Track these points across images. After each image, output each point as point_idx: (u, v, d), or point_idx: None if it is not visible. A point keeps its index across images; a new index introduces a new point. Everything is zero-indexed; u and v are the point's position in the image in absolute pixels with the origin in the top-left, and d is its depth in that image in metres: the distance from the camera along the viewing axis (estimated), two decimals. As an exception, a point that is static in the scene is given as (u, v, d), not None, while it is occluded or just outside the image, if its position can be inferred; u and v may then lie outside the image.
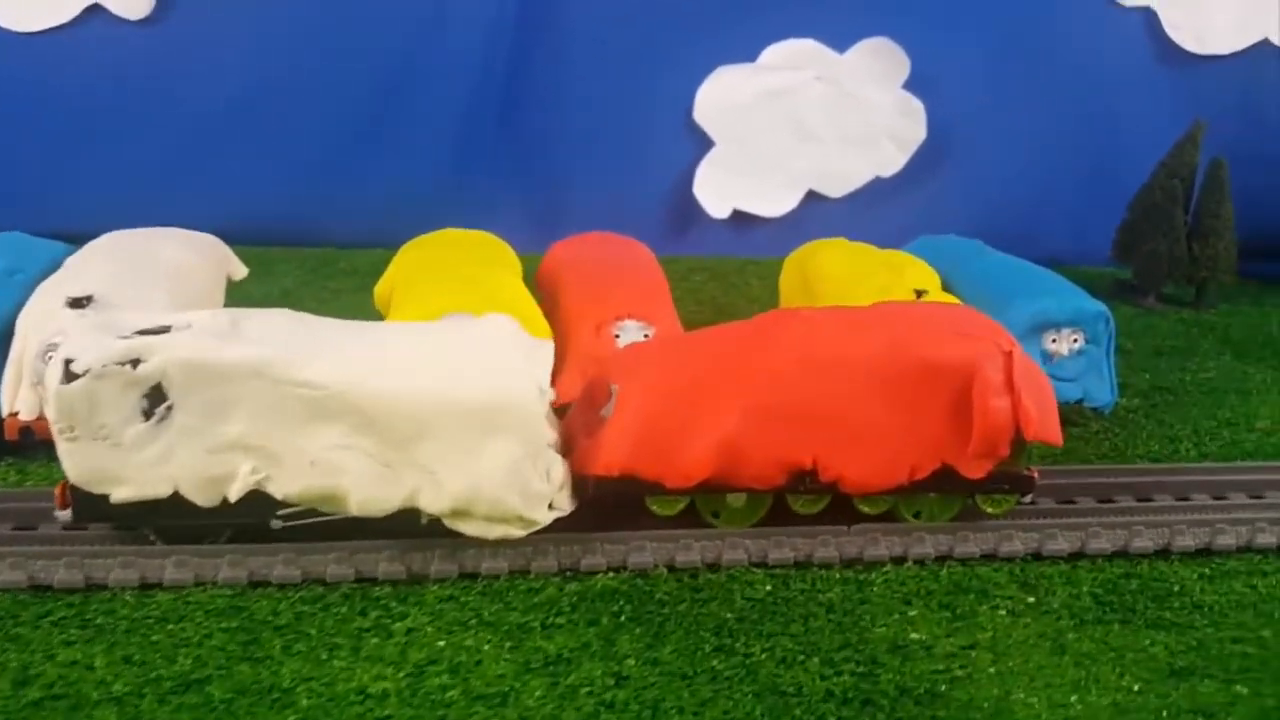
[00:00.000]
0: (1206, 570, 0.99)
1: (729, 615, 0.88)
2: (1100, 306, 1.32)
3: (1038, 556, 1.00)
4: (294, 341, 0.90)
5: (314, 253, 1.94)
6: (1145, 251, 2.00)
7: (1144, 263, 2.05)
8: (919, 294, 1.31)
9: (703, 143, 2.19)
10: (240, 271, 1.40)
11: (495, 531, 0.90)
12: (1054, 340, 1.31)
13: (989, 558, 0.99)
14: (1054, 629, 0.88)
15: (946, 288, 1.41)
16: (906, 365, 0.96)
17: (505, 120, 2.09)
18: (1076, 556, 1.00)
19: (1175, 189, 1.97)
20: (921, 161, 2.23)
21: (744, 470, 0.96)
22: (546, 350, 0.98)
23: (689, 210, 2.23)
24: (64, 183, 2.00)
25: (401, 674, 0.79)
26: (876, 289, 1.31)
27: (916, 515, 1.01)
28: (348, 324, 0.98)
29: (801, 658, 0.82)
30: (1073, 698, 0.79)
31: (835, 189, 2.26)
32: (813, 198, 2.25)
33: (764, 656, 0.82)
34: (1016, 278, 1.41)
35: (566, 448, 0.98)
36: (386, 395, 0.87)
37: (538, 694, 0.77)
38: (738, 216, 2.23)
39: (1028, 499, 1.07)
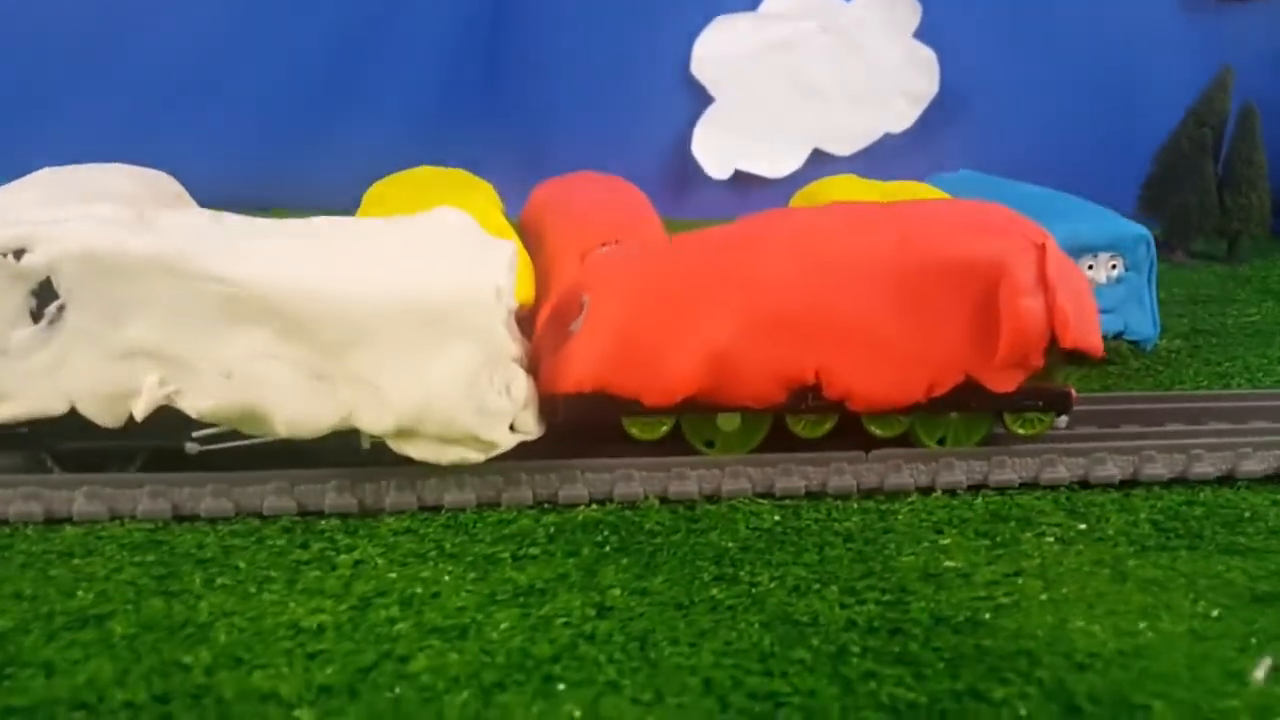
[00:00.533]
0: (1276, 498, 0.87)
1: (731, 544, 0.76)
2: (1141, 229, 1.20)
3: (1085, 484, 0.88)
4: (210, 235, 0.78)
5: (285, 215, 1.82)
6: (1174, 205, 1.88)
7: (1173, 217, 1.93)
8: None
9: (701, 98, 2.07)
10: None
11: (449, 455, 0.77)
12: (1090, 266, 1.19)
13: (1029, 486, 0.87)
14: (1112, 556, 0.75)
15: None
16: (922, 263, 0.84)
17: (489, 76, 1.97)
18: (1129, 484, 0.88)
19: (1205, 138, 1.85)
20: (934, 116, 2.12)
21: (736, 386, 0.83)
22: (506, 249, 0.85)
23: (687, 171, 2.12)
24: (13, 147, 1.92)
25: (343, 607, 0.66)
26: None
27: (941, 442, 0.88)
28: (276, 221, 0.86)
29: (817, 586, 0.70)
30: (1141, 624, 0.66)
31: (843, 147, 2.14)
32: (819, 157, 2.14)
33: (773, 585, 0.70)
34: (1046, 203, 1.29)
35: (533, 369, 0.86)
36: (316, 294, 0.75)
37: (504, 626, 0.65)
38: (739, 178, 2.12)
39: (1063, 421, 0.93)
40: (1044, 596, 0.69)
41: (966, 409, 0.87)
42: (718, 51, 2.05)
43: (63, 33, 1.81)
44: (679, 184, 2.12)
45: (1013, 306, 0.82)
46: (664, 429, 0.86)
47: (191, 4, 1.83)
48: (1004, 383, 0.84)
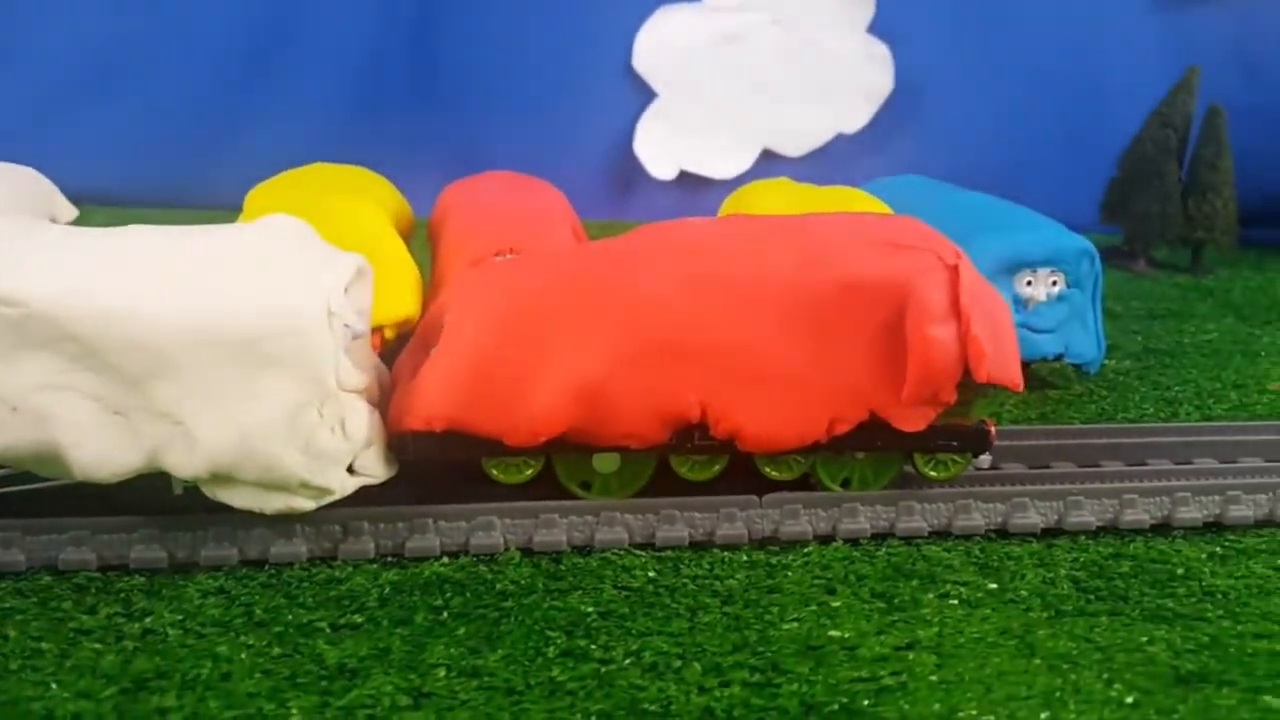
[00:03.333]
0: (1218, 549, 0.77)
1: (591, 609, 0.66)
2: (1084, 242, 1.12)
3: (1003, 534, 0.79)
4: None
5: (193, 214, 1.72)
6: (1135, 211, 1.79)
7: (1134, 224, 1.84)
8: None
9: (644, 94, 1.97)
10: (67, 212, 1.19)
11: (273, 503, 0.68)
12: (1029, 282, 1.11)
13: (940, 535, 0.78)
14: (1021, 623, 0.66)
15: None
16: (821, 286, 0.74)
17: (416, 69, 1.87)
18: (1052, 533, 0.79)
19: (1168, 140, 1.77)
20: (889, 116, 2.02)
21: (612, 423, 0.74)
22: (346, 264, 0.74)
23: (630, 171, 2.02)
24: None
25: (110, 691, 0.57)
26: None
27: (845, 484, 0.79)
28: (79, 230, 0.75)
29: (679, 663, 0.61)
30: (1043, 715, 0.57)
31: (794, 147, 2.05)
32: (769, 157, 2.04)
33: (628, 662, 0.61)
34: (985, 212, 1.20)
35: (388, 397, 0.76)
36: (113, 316, 0.66)
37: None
38: (686, 178, 2.01)
39: (984, 461, 0.85)
40: (935, 677, 0.60)
41: (872, 449, 0.78)
42: (661, 44, 1.95)
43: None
44: (622, 184, 2.03)
45: (921, 336, 0.72)
46: (530, 471, 0.77)
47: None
48: (912, 421, 0.75)
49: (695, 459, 0.78)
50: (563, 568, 0.72)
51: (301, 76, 1.82)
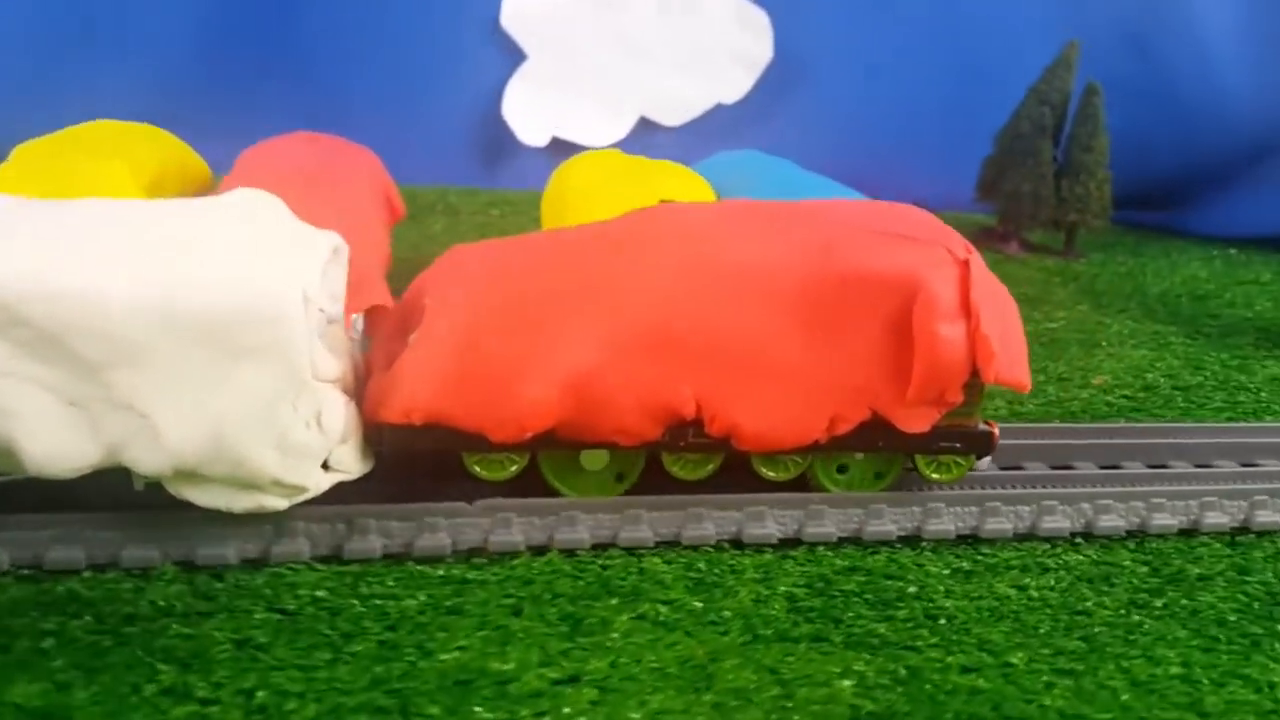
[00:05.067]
0: (966, 564, 0.72)
1: (225, 638, 0.58)
2: None
3: (737, 543, 0.73)
4: None
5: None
6: (1008, 191, 1.74)
7: (1007, 204, 1.78)
8: None
9: (513, 55, 1.88)
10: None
11: (242, 502, 0.64)
12: None
13: (669, 545, 0.72)
14: (710, 650, 0.60)
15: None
16: (825, 278, 0.70)
17: (263, 26, 1.74)
18: (790, 543, 0.74)
19: (1044, 118, 1.71)
20: (770, 86, 1.95)
21: (603, 418, 0.69)
22: (323, 242, 0.69)
23: (499, 137, 1.93)
24: None
25: None
26: (616, 201, 1.05)
27: (846, 483, 0.75)
28: (29, 202, 0.69)
29: (293, 705, 0.53)
30: (679, 767, 0.52)
31: (672, 116, 1.96)
32: (646, 126, 1.95)
33: (234, 704, 0.53)
34: (803, 190, 1.15)
35: (364, 385, 0.72)
36: (68, 299, 0.60)
37: None
38: (559, 146, 1.92)
39: (983, 463, 0.81)
40: (584, 719, 0.55)
41: (873, 449, 0.75)
42: (531, 2, 1.86)
43: None
44: (490, 151, 1.93)
45: (929, 333, 0.69)
46: (514, 468, 0.73)
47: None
48: (916, 421, 0.72)
49: (688, 457, 0.74)
50: (220, 586, 0.64)
51: (142, 39, 1.68)
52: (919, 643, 0.62)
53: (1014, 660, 0.61)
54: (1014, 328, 0.74)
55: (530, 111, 1.89)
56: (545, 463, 0.73)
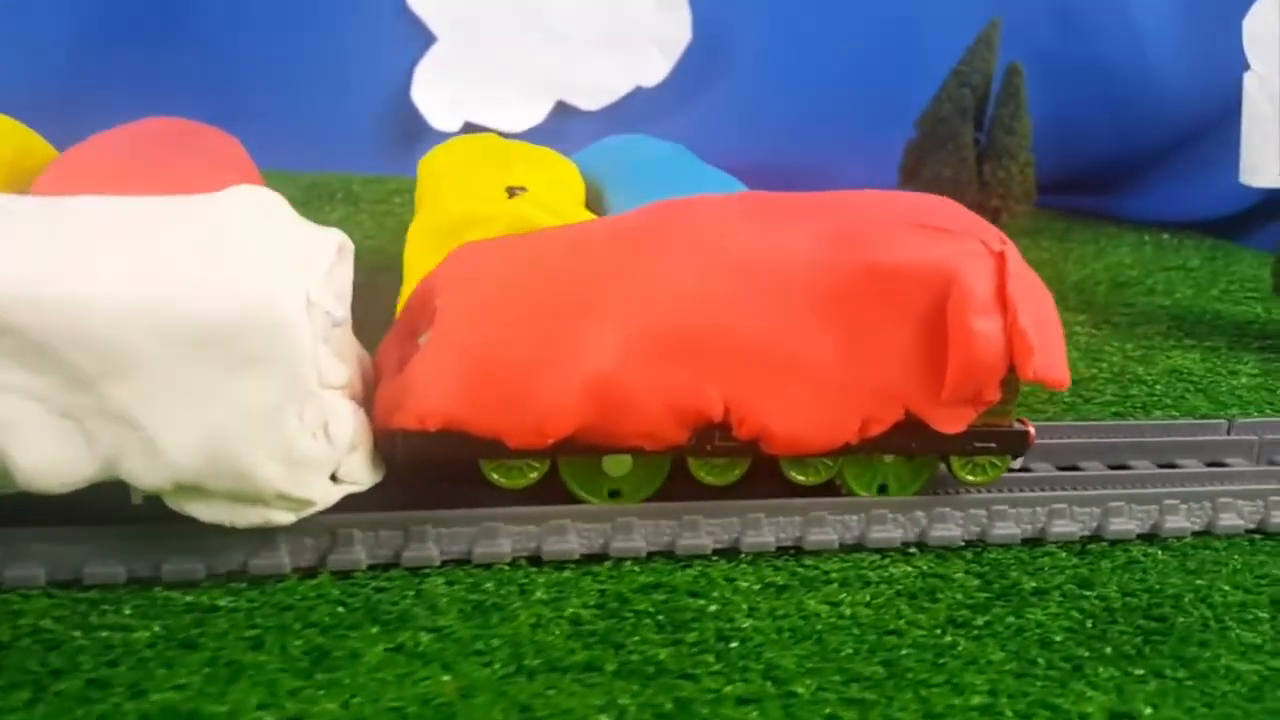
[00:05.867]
0: (782, 578, 0.67)
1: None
2: None
3: (536, 560, 0.67)
4: None
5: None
6: (928, 176, 1.68)
7: (928, 190, 1.73)
8: (511, 192, 0.99)
9: (422, 37, 1.81)
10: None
11: (247, 517, 0.61)
12: None
13: (458, 563, 0.66)
14: (464, 684, 0.54)
15: (598, 199, 1.09)
16: (855, 273, 0.68)
17: (159, 2, 1.68)
18: (596, 558, 0.68)
19: (964, 100, 1.65)
20: (690, 69, 1.87)
21: (627, 422, 0.66)
22: (329, 241, 0.67)
23: (409, 122, 1.85)
24: None
25: None
26: (468, 188, 1.00)
27: (883, 490, 0.73)
28: (14, 199, 0.67)
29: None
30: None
31: (589, 100, 1.89)
32: (563, 110, 1.88)
33: None
34: (669, 177, 1.09)
35: (372, 393, 0.69)
36: (59, 305, 0.57)
37: None
38: (471, 130, 1.86)
39: (1016, 463, 0.78)
40: None
41: (905, 450, 0.72)
42: (438, -17, 1.80)
43: None
44: (400, 137, 1.86)
45: (964, 328, 0.67)
46: (534, 475, 0.70)
47: None
48: (951, 421, 0.69)
49: (715, 462, 0.72)
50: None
51: (29, 23, 1.61)
52: (699, 670, 0.57)
53: (799, 689, 0.56)
54: (1052, 322, 0.71)
55: (441, 95, 1.82)
56: (565, 469, 0.71)
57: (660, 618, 0.62)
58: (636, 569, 0.67)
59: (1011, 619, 0.64)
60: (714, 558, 0.70)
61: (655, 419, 0.67)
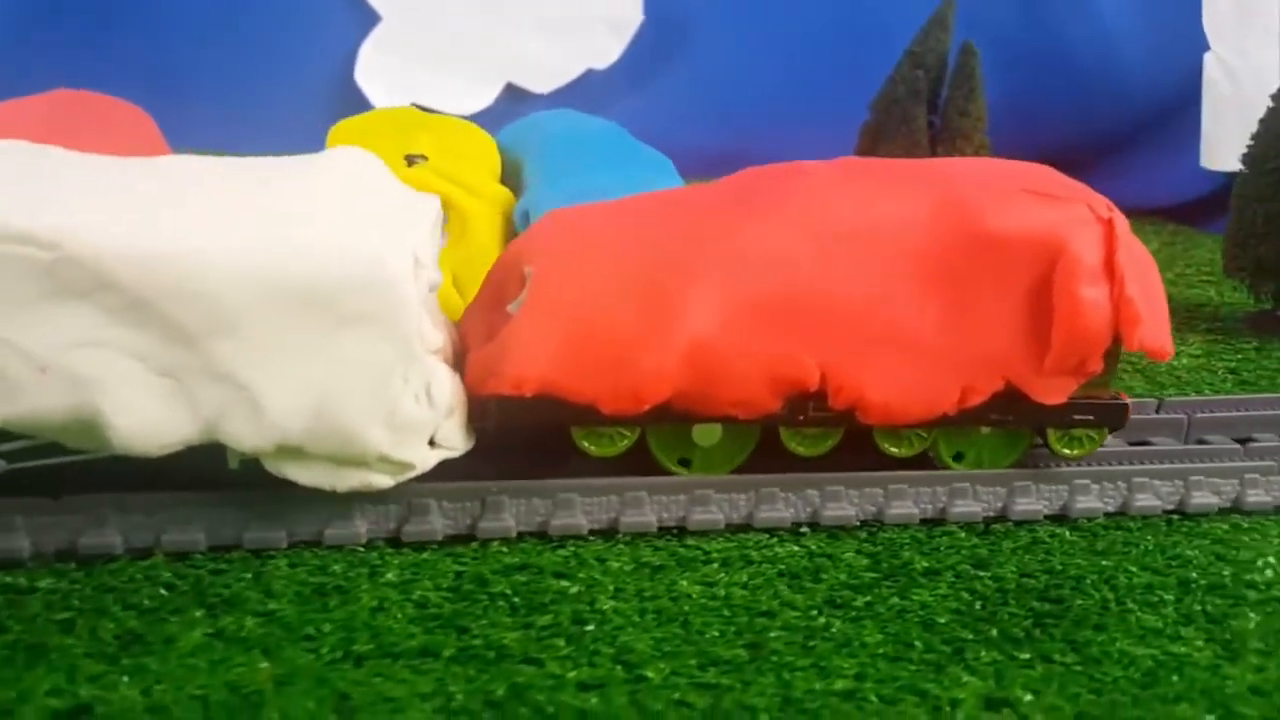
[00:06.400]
0: (659, 559, 0.62)
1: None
2: (671, 183, 0.97)
3: (395, 541, 0.63)
4: (13, 174, 0.57)
5: None
6: (881, 158, 1.67)
7: (883, 171, 1.73)
8: (410, 161, 0.95)
9: (366, 17, 1.76)
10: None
11: (347, 480, 0.60)
12: None
13: (309, 545, 0.62)
14: (286, 670, 0.50)
15: (517, 173, 1.05)
16: (959, 239, 0.66)
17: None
18: (463, 539, 0.64)
19: (918, 82, 1.62)
20: (642, 52, 1.84)
21: (721, 390, 0.65)
22: (429, 205, 0.66)
23: (353, 104, 1.81)
24: None
25: None
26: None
27: (973, 459, 0.70)
28: (118, 160, 0.65)
29: None
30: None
31: (540, 82, 1.85)
32: (513, 92, 1.85)
33: None
34: (593, 152, 1.06)
35: (460, 359, 0.68)
36: (164, 261, 0.56)
37: None
38: (418, 114, 1.87)
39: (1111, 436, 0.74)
40: None
41: (1002, 422, 0.70)
42: (382, -40, 1.76)
43: None
44: (344, 118, 1.85)
45: (1071, 296, 0.65)
46: (624, 443, 0.68)
47: None
48: (1053, 392, 0.67)
49: (807, 432, 0.69)
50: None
51: None
52: (545, 655, 0.53)
53: (650, 674, 0.51)
54: (1157, 290, 0.69)
55: (386, 77, 1.77)
56: (654, 439, 0.69)
57: (516, 600, 0.58)
58: (505, 550, 0.63)
59: (896, 600, 0.60)
60: (591, 538, 0.65)
61: (750, 386, 0.66)
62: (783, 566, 0.63)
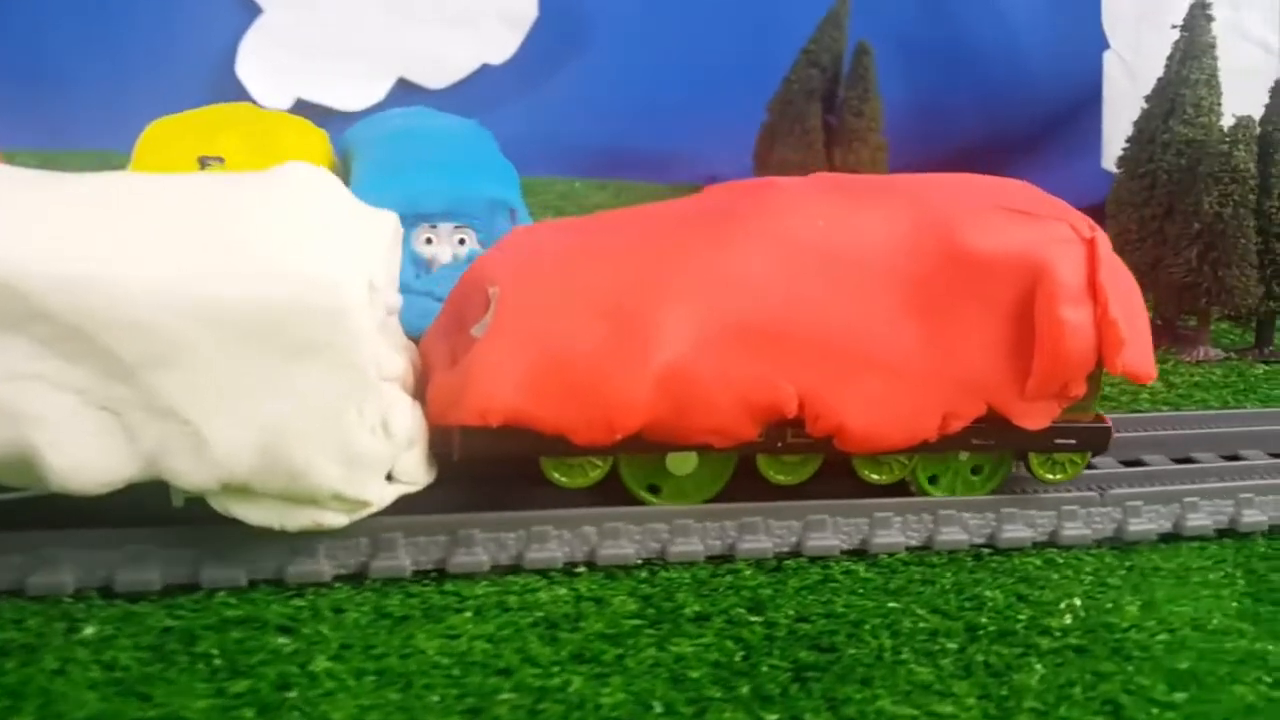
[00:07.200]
0: (407, 609, 0.56)
1: None
2: (496, 192, 0.92)
3: (106, 592, 0.57)
4: None
5: None
6: (776, 161, 1.61)
7: (775, 175, 1.67)
8: (203, 163, 0.89)
9: (246, 7, 1.68)
10: None
11: (297, 519, 0.57)
12: (429, 240, 0.92)
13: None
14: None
15: (343, 175, 0.99)
16: (937, 260, 0.65)
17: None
18: (179, 589, 0.58)
19: (812, 81, 1.58)
20: (539, 48, 1.78)
21: (697, 418, 0.63)
22: (386, 223, 0.63)
23: (233, 98, 1.76)
24: None
25: None
26: (159, 158, 0.90)
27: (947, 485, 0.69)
28: (51, 176, 0.61)
29: None
30: None
31: (434, 78, 1.78)
32: (405, 87, 1.76)
33: None
34: (423, 152, 1.00)
35: (422, 385, 0.65)
36: (98, 289, 0.53)
37: None
38: (304, 109, 1.74)
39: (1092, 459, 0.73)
40: None
41: (983, 447, 0.69)
42: (260, -53, 1.69)
43: None
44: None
45: (1052, 319, 0.63)
46: (596, 473, 0.66)
47: None
48: (1035, 417, 0.66)
49: (786, 460, 0.68)
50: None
51: None
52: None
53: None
54: (1140, 311, 0.68)
55: (269, 71, 1.70)
56: (626, 468, 0.66)
57: (218, 661, 0.52)
58: (233, 600, 0.58)
59: (652, 651, 0.55)
60: (336, 584, 0.60)
61: (727, 414, 0.64)
62: (541, 614, 0.58)
